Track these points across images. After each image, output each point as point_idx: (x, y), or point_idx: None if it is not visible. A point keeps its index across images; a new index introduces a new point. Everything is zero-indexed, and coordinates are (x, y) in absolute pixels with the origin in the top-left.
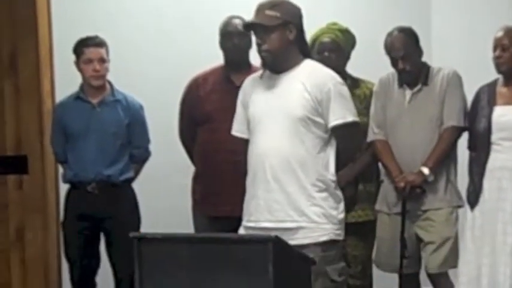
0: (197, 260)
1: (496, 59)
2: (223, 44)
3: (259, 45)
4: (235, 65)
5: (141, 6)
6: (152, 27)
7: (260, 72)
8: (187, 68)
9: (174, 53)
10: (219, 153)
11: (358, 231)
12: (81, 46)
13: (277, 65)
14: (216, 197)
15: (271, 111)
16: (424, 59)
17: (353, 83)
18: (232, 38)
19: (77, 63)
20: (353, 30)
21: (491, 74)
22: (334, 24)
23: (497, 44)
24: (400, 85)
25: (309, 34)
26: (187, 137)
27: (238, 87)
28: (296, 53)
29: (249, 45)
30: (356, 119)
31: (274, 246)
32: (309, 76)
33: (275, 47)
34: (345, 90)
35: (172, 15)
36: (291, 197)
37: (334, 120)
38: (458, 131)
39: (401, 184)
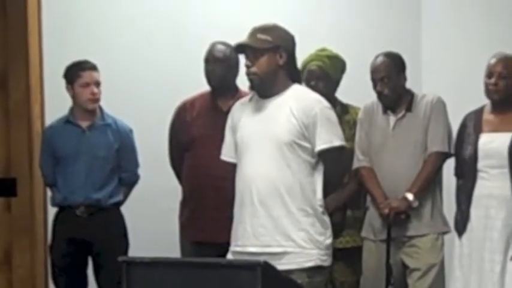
0: (186, 285)
1: (492, 86)
2: (204, 70)
3: (248, 67)
4: (217, 91)
5: (132, 31)
6: (142, 52)
7: (249, 96)
8: (177, 92)
9: (163, 77)
10: (203, 178)
11: (346, 257)
12: (78, 70)
13: (264, 89)
14: (199, 222)
15: (258, 136)
16: (414, 83)
17: (342, 109)
18: (209, 64)
19: (71, 87)
20: (344, 56)
21: (480, 100)
22: (323, 50)
23: (493, 71)
24: (384, 111)
25: (299, 60)
26: (177, 161)
27: (224, 113)
28: (285, 78)
29: (231, 71)
30: (343, 143)
31: (262, 271)
32: (296, 101)
33: (263, 70)
34: (332, 114)
35: (163, 39)
36: (278, 222)
37: (321, 145)
38: (442, 157)
39: (386, 210)
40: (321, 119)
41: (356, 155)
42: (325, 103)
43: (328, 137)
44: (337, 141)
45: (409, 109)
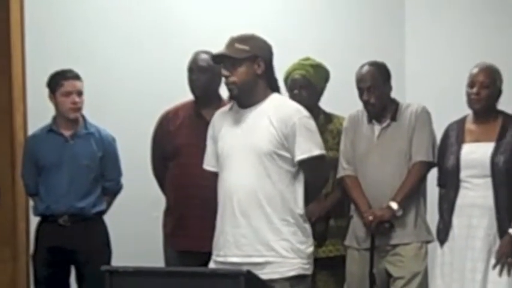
0: None
1: (474, 95)
2: (188, 79)
3: (226, 77)
4: (201, 100)
5: (117, 40)
6: (127, 61)
7: (229, 105)
8: (161, 102)
9: (147, 86)
10: (187, 188)
11: (329, 266)
12: (60, 79)
13: (243, 98)
14: (185, 231)
15: (238, 147)
16: (397, 92)
17: (326, 118)
18: (193, 74)
19: (53, 96)
20: (328, 66)
21: (464, 109)
22: (307, 59)
23: (475, 81)
24: (369, 121)
25: (284, 70)
26: (159, 171)
27: (208, 122)
28: (263, 88)
29: (214, 80)
30: (322, 152)
31: (245, 280)
32: (275, 110)
33: (241, 79)
34: (311, 123)
35: (149, 48)
36: (259, 232)
37: (300, 154)
38: (426, 166)
39: (370, 219)
40: (300, 129)
41: (340, 164)
42: (304, 112)
43: (307, 147)
44: (316, 150)
45: (393, 118)
